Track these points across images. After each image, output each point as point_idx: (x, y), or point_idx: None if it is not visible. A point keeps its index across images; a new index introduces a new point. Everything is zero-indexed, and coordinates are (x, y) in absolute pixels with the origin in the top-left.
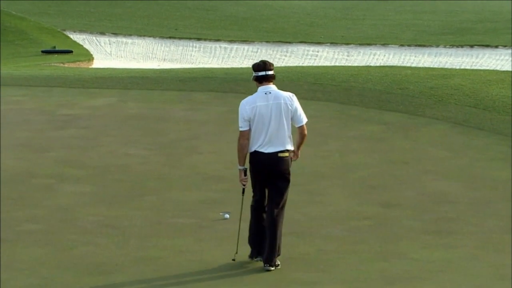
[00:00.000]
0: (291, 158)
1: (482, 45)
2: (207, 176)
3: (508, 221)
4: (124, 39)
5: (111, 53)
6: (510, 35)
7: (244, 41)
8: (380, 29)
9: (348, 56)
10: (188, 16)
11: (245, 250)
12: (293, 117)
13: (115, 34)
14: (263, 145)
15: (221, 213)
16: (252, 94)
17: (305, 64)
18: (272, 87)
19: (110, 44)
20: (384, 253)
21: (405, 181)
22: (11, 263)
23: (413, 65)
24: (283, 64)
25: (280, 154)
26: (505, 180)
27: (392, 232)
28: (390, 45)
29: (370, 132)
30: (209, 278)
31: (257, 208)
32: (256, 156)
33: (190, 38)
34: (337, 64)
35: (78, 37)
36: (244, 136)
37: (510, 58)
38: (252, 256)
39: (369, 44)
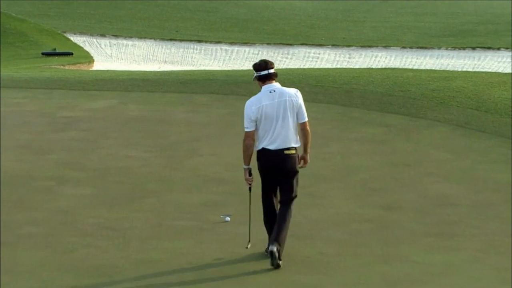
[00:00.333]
0: (298, 155)
1: (484, 47)
2: (208, 179)
3: (510, 224)
4: (125, 41)
5: (111, 55)
6: None
7: (245, 43)
8: (382, 31)
9: (349, 58)
10: (189, 18)
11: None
12: (297, 113)
13: (116, 36)
14: (270, 142)
15: (221, 216)
16: (255, 95)
17: (306, 66)
18: (276, 85)
19: (110, 46)
20: (385, 256)
21: (407, 183)
22: (11, 266)
23: (415, 67)
24: (284, 66)
25: (287, 152)
26: (507, 182)
27: (394, 235)
28: (391, 47)
29: (371, 135)
30: (210, 280)
31: (266, 199)
32: (264, 153)
33: (191, 40)
34: (338, 66)
35: (78, 39)
36: (250, 137)
37: None
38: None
39: (370, 46)
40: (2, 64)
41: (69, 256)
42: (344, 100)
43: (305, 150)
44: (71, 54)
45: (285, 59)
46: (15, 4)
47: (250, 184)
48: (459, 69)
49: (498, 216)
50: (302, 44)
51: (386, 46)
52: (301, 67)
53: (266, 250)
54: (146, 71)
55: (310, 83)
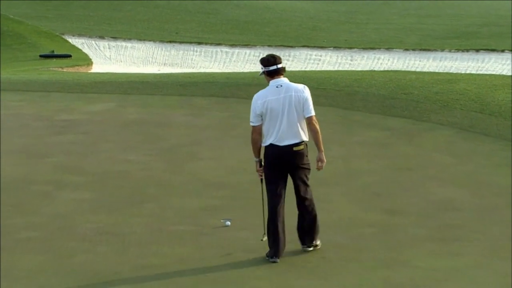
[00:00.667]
0: (307, 146)
1: (488, 50)
2: (208, 183)
3: None
4: (124, 43)
5: (110, 58)
6: None
7: (246, 45)
8: (384, 33)
9: (351, 60)
10: (188, 19)
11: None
12: (303, 107)
13: (115, 38)
14: (278, 138)
15: (222, 220)
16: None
17: (307, 69)
18: (283, 80)
19: (109, 48)
20: (388, 261)
21: (409, 187)
22: (9, 271)
23: (418, 69)
24: None
25: (295, 148)
26: (511, 186)
27: (396, 240)
28: (394, 50)
29: (373, 138)
30: (210, 286)
31: (273, 200)
32: (272, 150)
33: (190, 42)
34: (340, 68)
35: (77, 41)
36: (256, 131)
37: None
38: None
39: (372, 48)
40: (0, 67)
41: (68, 261)
42: (346, 103)
43: (318, 149)
44: (69, 56)
45: (286, 61)
46: (12, 5)
47: (261, 176)
48: (463, 72)
49: (502, 221)
50: (303, 46)
51: (388, 48)
52: (303, 69)
53: (267, 255)
54: (146, 74)
55: (312, 85)
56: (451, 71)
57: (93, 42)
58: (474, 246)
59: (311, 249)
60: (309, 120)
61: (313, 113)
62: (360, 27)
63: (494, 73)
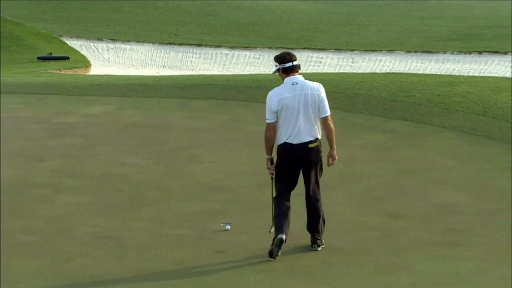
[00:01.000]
0: (321, 143)
1: (491, 51)
2: (207, 186)
3: None
4: (122, 45)
5: (109, 60)
6: None
7: (246, 47)
8: (386, 35)
9: (352, 62)
10: (188, 21)
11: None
12: (318, 107)
13: (113, 40)
14: (292, 136)
15: (222, 224)
16: (264, 95)
17: (308, 71)
18: (298, 77)
19: (108, 50)
20: (390, 265)
21: (412, 191)
22: (6, 275)
23: (420, 72)
24: None
25: (310, 145)
26: None
27: (398, 244)
28: (396, 52)
29: (375, 141)
30: None
31: (279, 198)
32: (286, 148)
33: (190, 44)
34: (341, 71)
35: (75, 43)
36: (271, 129)
37: None
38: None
39: (374, 51)
40: None
41: (65, 265)
42: (347, 106)
43: (330, 147)
44: (67, 58)
45: None
46: (10, 7)
47: (272, 174)
48: (465, 74)
49: (504, 225)
50: (304, 48)
51: (390, 50)
52: (303, 71)
53: (273, 239)
54: (144, 76)
55: None
56: (453, 74)
57: (91, 44)
58: (476, 251)
59: (319, 249)
60: (324, 120)
61: (329, 112)
62: (362, 29)
63: (496, 75)
